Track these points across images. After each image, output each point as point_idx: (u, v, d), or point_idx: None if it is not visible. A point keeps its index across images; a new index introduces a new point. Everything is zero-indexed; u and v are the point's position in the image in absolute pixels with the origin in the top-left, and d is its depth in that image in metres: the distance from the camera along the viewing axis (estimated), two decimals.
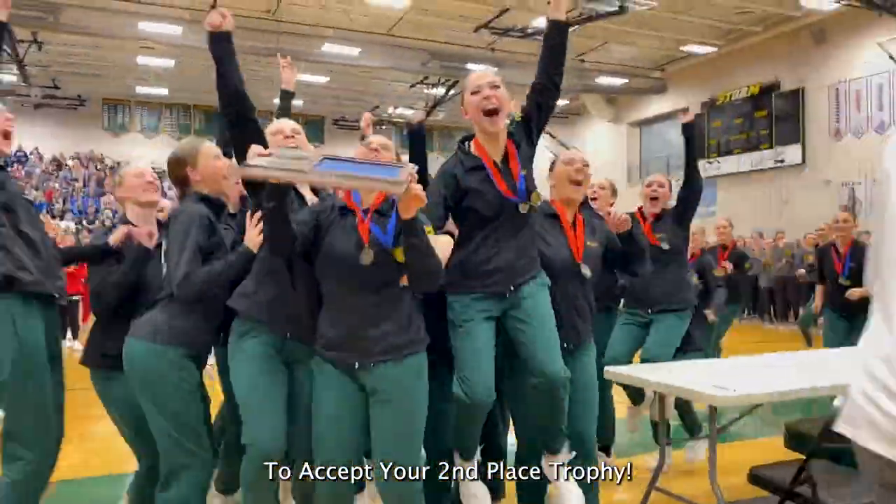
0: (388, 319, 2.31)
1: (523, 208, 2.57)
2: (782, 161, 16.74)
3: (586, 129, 23.67)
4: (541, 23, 15.44)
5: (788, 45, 16.52)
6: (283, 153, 2.16)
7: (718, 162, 18.44)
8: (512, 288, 2.56)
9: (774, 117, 16.96)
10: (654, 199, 4.01)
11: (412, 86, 20.76)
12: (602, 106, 22.04)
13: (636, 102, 21.46)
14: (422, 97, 21.19)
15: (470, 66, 16.84)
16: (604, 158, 20.20)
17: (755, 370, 3.29)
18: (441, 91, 19.88)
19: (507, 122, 2.63)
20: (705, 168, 18.69)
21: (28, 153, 23.22)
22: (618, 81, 20.47)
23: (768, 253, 12.82)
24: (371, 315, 2.30)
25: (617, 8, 13.15)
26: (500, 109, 2.54)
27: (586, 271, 2.83)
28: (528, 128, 2.71)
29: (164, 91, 22.68)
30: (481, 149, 2.62)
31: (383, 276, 2.30)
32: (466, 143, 2.69)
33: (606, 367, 3.29)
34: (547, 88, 2.68)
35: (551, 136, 19.69)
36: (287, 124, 2.64)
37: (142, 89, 22.70)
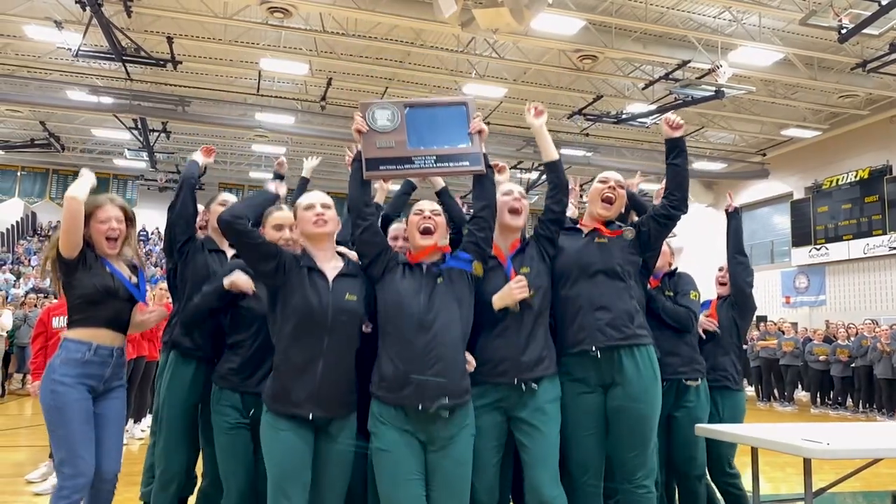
0: None
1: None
2: None
3: (685, 215, 23.25)
4: (633, 108, 15.69)
5: None
6: (373, 139, 2.76)
7: (826, 248, 17.65)
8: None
9: (887, 202, 16.20)
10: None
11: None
12: (700, 190, 21.73)
13: (736, 187, 21.03)
14: (515, 181, 21.58)
15: (564, 151, 17.16)
16: (704, 243, 19.74)
17: (855, 432, 3.13)
18: (535, 175, 20.23)
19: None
20: (812, 255, 17.94)
21: (150, 233, 25.14)
22: (716, 166, 20.22)
23: (883, 342, 11.98)
24: None
25: (713, 93, 13.18)
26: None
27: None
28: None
29: None
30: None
31: None
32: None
33: (698, 425, 3.24)
34: (546, 221, 2.98)
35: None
36: (318, 198, 2.79)
37: (255, 174, 24.33)
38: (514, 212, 2.97)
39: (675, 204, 2.94)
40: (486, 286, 2.78)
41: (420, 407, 2.50)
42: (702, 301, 3.80)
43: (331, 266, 2.72)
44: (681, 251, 22.89)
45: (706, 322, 3.75)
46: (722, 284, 3.99)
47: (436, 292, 2.62)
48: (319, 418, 2.56)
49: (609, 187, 2.97)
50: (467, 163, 2.81)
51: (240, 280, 2.88)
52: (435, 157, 2.79)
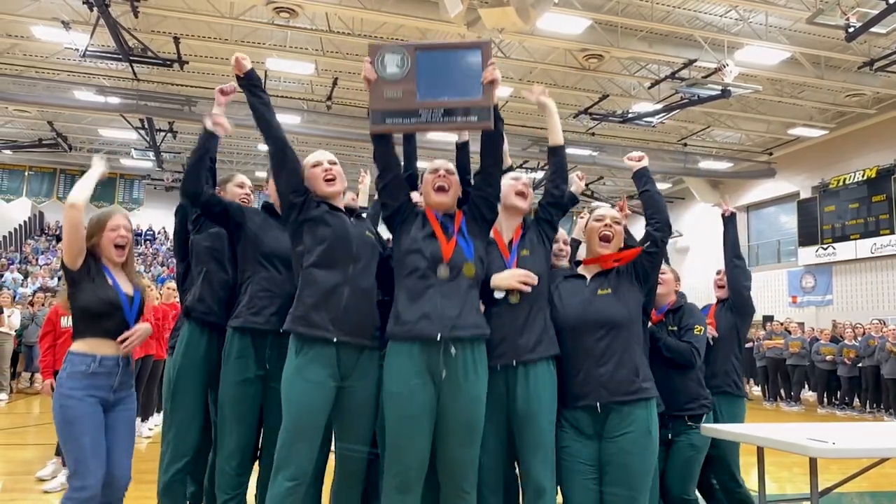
0: None
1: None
2: None
3: (691, 214, 23.25)
4: (639, 108, 15.66)
5: None
6: (381, 88, 2.75)
7: (833, 248, 17.59)
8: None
9: (894, 201, 16.13)
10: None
11: (511, 168, 21.18)
12: (706, 190, 21.67)
13: (743, 186, 21.00)
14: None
15: (570, 150, 17.11)
16: (709, 243, 19.70)
17: (862, 432, 3.13)
18: (540, 175, 20.21)
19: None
20: (819, 254, 17.88)
21: (156, 232, 25.23)
22: (722, 165, 20.18)
23: (890, 342, 11.93)
24: None
25: (719, 92, 13.15)
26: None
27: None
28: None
29: None
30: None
31: None
32: None
33: (703, 424, 3.23)
34: (546, 205, 3.06)
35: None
36: (325, 156, 3.00)
37: (261, 173, 24.36)
38: (521, 195, 3.01)
39: (658, 227, 2.97)
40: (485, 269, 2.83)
41: (438, 337, 2.55)
42: (701, 307, 3.80)
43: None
44: (686, 250, 22.87)
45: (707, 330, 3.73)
46: (720, 288, 4.00)
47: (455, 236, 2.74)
48: (344, 343, 2.62)
49: (605, 225, 2.96)
50: (476, 118, 2.75)
51: (221, 118, 3.14)
52: (443, 111, 2.73)
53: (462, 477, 2.62)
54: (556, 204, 3.02)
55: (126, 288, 3.10)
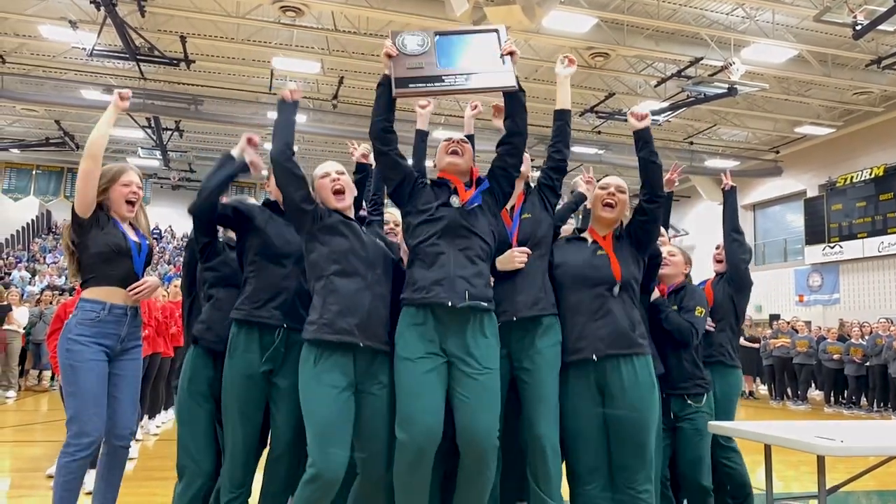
0: None
1: None
2: None
3: (696, 212, 23.19)
4: (646, 106, 15.62)
5: None
6: (402, 61, 2.77)
7: (840, 247, 17.52)
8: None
9: None
10: (608, 205, 3.14)
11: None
12: (712, 188, 21.60)
13: (749, 185, 20.93)
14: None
15: (576, 148, 17.13)
16: (715, 242, 19.61)
17: (870, 431, 3.12)
18: None
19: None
20: (826, 253, 17.82)
21: (163, 231, 25.30)
22: (729, 164, 20.10)
23: None
24: None
25: (725, 90, 13.11)
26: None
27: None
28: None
29: None
30: None
31: None
32: None
33: (711, 423, 3.24)
34: (547, 170, 3.13)
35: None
36: (333, 166, 2.97)
37: (266, 172, 24.42)
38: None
39: (646, 194, 2.98)
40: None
41: (450, 304, 2.60)
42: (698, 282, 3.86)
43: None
44: (692, 249, 22.80)
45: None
46: (718, 262, 4.04)
47: (467, 206, 2.79)
48: (368, 348, 2.64)
49: (609, 193, 3.04)
50: (498, 81, 2.83)
51: (257, 159, 3.07)
52: (466, 76, 2.80)
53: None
54: (556, 168, 3.09)
55: (133, 236, 3.17)
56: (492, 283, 2.82)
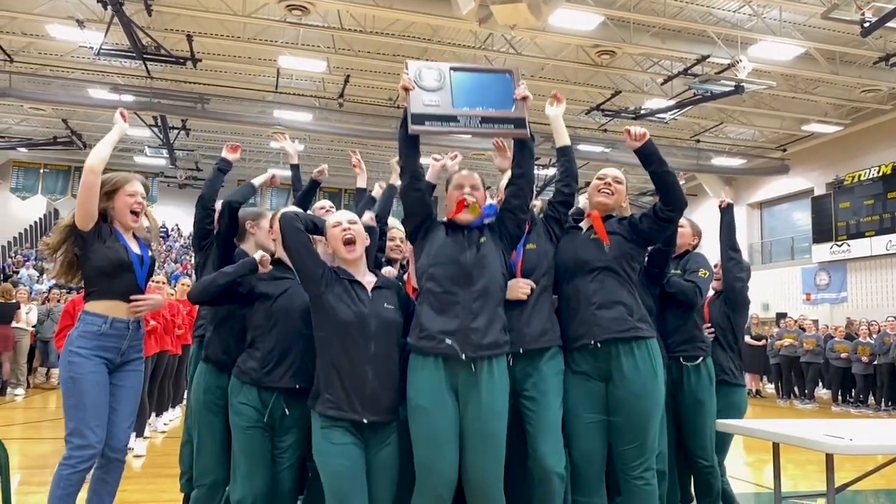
0: None
1: None
2: None
3: (703, 211, 23.12)
4: (652, 104, 15.58)
5: None
6: (419, 96, 2.82)
7: (848, 245, 17.45)
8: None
9: None
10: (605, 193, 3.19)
11: None
12: (719, 187, 21.53)
13: (756, 183, 20.86)
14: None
15: (582, 147, 17.10)
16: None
17: (878, 429, 3.11)
18: (552, 171, 20.17)
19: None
20: (833, 252, 17.74)
21: (170, 229, 25.37)
22: (736, 162, 20.05)
23: None
24: None
25: (732, 88, 13.05)
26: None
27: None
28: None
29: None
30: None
31: None
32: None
33: (719, 420, 3.24)
34: (555, 203, 3.10)
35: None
36: (345, 216, 2.89)
37: (273, 171, 24.43)
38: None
39: (669, 206, 2.93)
40: None
41: (463, 357, 2.59)
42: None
43: (366, 280, 2.83)
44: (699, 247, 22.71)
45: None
46: (716, 280, 4.00)
47: (482, 247, 2.79)
48: (373, 422, 2.62)
49: (605, 183, 3.08)
50: (512, 126, 2.90)
51: (266, 259, 2.94)
52: (480, 119, 2.87)
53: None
54: (565, 202, 3.10)
55: (136, 249, 3.16)
56: (506, 322, 2.78)
